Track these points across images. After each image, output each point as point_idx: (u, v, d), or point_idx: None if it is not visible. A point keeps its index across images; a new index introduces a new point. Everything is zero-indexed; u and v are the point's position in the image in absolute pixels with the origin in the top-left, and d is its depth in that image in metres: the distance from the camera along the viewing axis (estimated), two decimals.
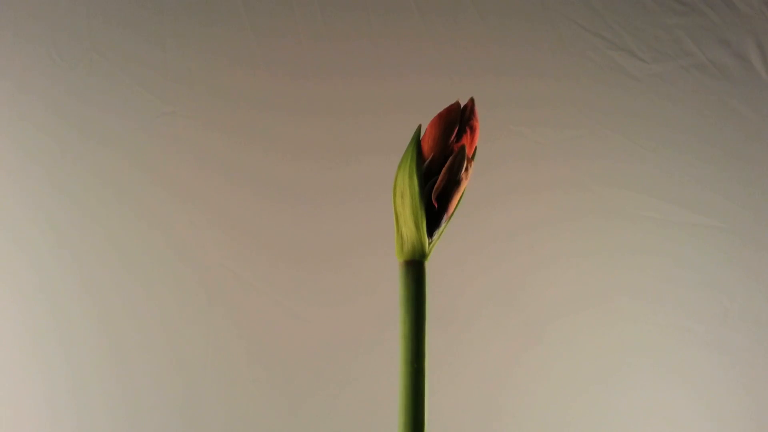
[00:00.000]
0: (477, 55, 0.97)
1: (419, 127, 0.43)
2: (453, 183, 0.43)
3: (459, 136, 0.44)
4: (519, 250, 0.95)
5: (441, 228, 0.43)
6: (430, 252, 0.43)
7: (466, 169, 0.44)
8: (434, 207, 0.43)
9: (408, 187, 0.43)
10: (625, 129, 0.98)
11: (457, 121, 0.44)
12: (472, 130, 0.44)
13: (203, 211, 0.92)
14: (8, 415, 0.86)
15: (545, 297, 0.94)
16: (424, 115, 0.46)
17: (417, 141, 0.43)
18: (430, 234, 0.43)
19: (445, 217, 0.44)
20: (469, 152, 0.44)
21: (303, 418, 0.90)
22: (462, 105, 0.45)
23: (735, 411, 0.94)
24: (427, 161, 0.43)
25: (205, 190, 0.92)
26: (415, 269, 0.42)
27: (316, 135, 0.94)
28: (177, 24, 0.94)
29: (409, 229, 0.42)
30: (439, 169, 0.43)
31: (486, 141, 0.94)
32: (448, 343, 0.92)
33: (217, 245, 0.91)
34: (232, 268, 0.91)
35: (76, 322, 0.89)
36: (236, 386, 0.90)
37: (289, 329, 0.90)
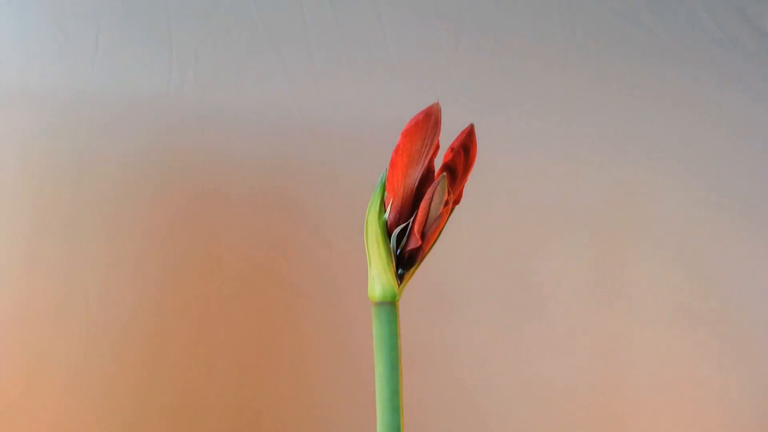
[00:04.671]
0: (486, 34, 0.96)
1: (385, 172, 0.42)
2: (432, 219, 0.41)
3: (445, 151, 0.40)
4: (532, 226, 0.95)
5: (414, 267, 0.43)
6: (400, 293, 0.43)
7: (446, 203, 0.40)
8: (407, 248, 0.42)
9: (374, 234, 0.42)
10: (635, 104, 0.96)
11: (436, 128, 0.39)
12: (467, 151, 0.40)
13: (208, 200, 0.92)
14: (17, 413, 0.88)
15: (553, 276, 0.94)
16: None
17: (382, 186, 0.42)
18: (402, 275, 0.43)
19: (420, 255, 0.42)
20: (466, 175, 0.40)
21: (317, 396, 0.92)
22: (440, 107, 0.39)
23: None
24: (402, 193, 0.40)
25: (213, 180, 0.92)
26: (386, 310, 0.42)
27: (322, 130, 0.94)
28: (183, 7, 0.92)
29: (379, 272, 0.42)
30: (414, 197, 0.40)
31: (497, 122, 0.93)
32: (465, 324, 0.93)
33: (229, 239, 0.92)
34: (240, 265, 0.92)
35: (85, 317, 0.90)
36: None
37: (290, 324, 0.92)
